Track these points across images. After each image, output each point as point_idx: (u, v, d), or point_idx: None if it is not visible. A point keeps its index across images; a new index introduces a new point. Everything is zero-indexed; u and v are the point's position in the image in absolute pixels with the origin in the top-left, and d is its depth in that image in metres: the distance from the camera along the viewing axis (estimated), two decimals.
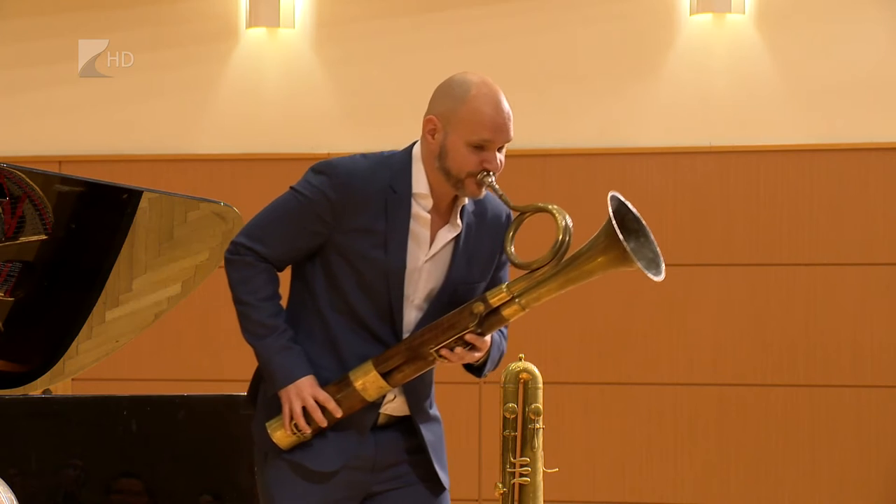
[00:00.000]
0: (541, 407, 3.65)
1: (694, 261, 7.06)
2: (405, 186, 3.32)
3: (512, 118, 3.33)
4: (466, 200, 3.38)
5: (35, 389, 4.48)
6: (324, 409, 3.28)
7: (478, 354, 3.33)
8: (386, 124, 7.00)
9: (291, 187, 3.36)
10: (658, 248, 3.33)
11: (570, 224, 3.32)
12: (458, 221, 3.37)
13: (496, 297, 3.31)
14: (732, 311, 7.03)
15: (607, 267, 3.32)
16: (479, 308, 3.29)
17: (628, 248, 3.24)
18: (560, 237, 3.31)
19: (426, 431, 3.43)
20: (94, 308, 4.49)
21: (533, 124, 7.03)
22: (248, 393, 3.46)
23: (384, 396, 3.34)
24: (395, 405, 3.38)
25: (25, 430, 4.15)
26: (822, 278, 6.99)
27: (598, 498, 7.04)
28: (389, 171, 3.34)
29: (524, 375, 3.71)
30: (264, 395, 3.38)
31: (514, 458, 3.65)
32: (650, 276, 3.28)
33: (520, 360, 3.72)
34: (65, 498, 4.13)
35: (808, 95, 7.06)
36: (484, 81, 3.32)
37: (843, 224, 6.99)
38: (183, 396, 4.29)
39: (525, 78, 7.15)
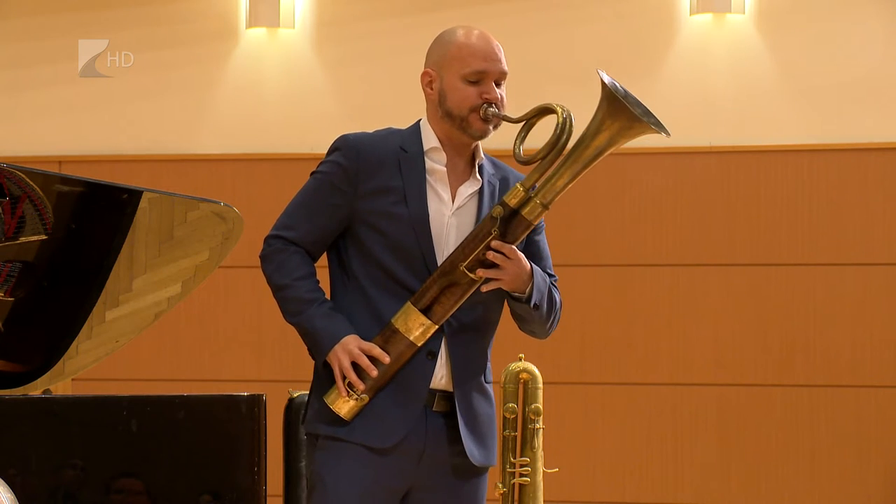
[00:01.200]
0: (541, 407, 3.65)
1: (694, 261, 7.06)
2: (416, 145, 3.36)
3: (502, 52, 3.37)
4: (483, 157, 3.40)
5: (35, 389, 4.48)
6: (373, 359, 3.26)
7: (510, 264, 3.26)
8: (386, 124, 6.97)
9: (311, 172, 3.40)
10: (651, 112, 3.29)
11: (572, 116, 3.31)
12: (479, 177, 3.37)
13: (513, 198, 3.28)
14: (732, 311, 7.03)
15: (616, 138, 3.29)
16: (499, 211, 3.26)
17: (635, 112, 3.20)
18: (559, 125, 3.31)
19: (476, 408, 3.37)
20: (94, 308, 4.49)
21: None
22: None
23: (434, 364, 3.31)
24: (445, 375, 3.34)
25: (25, 430, 4.15)
26: (822, 278, 6.99)
27: (598, 498, 7.04)
28: (400, 136, 3.39)
29: (524, 375, 3.71)
30: (317, 379, 3.36)
31: (514, 458, 3.65)
32: (661, 133, 3.25)
33: (520, 360, 3.72)
34: (65, 498, 4.13)
35: (807, 95, 7.06)
36: (468, 26, 3.42)
37: (843, 224, 6.99)
38: (183, 396, 4.29)
39: (524, 78, 7.15)
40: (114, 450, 4.19)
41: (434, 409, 3.34)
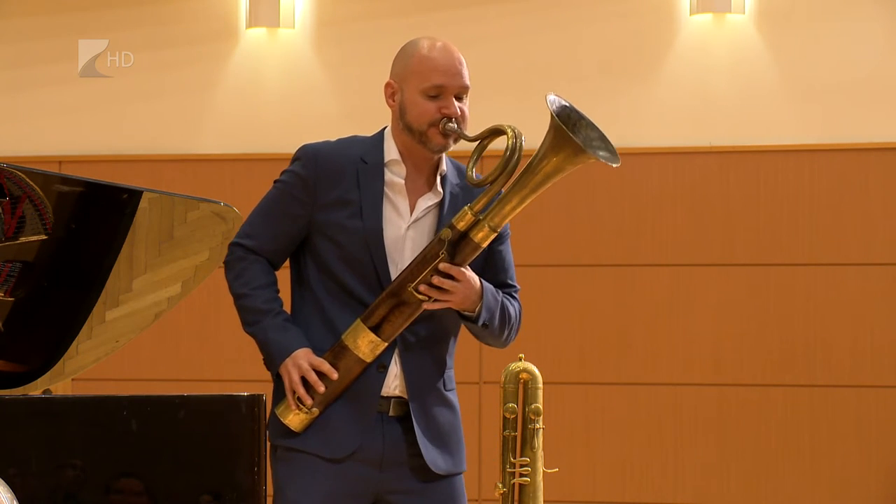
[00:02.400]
0: (541, 407, 3.65)
1: (694, 261, 7.06)
2: (377, 157, 3.37)
3: (465, 65, 3.35)
4: (447, 170, 3.39)
5: (35, 389, 4.48)
6: (321, 375, 3.28)
7: (458, 286, 3.27)
8: (385, 124, 6.99)
9: (273, 181, 3.42)
10: (608, 140, 3.29)
11: (522, 139, 3.28)
12: (439, 189, 3.37)
13: (462, 221, 3.28)
14: (732, 311, 7.03)
15: (563, 166, 3.28)
16: (447, 234, 3.27)
17: (579, 140, 3.20)
18: (509, 149, 3.27)
19: (435, 416, 3.38)
20: (94, 308, 4.49)
21: (533, 124, 7.02)
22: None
23: (385, 375, 3.32)
24: (399, 384, 3.35)
25: (25, 430, 4.15)
26: (822, 278, 6.99)
27: (598, 498, 7.04)
28: (361, 146, 3.40)
29: (524, 375, 3.71)
30: (274, 389, 3.39)
31: (514, 458, 3.65)
32: (608, 164, 3.25)
33: (520, 360, 3.72)
34: (65, 498, 4.13)
35: (807, 95, 7.06)
36: (433, 37, 3.38)
37: (843, 224, 6.99)
38: (183, 396, 4.28)
39: (525, 78, 7.15)
40: (114, 450, 4.19)
41: (390, 414, 3.34)
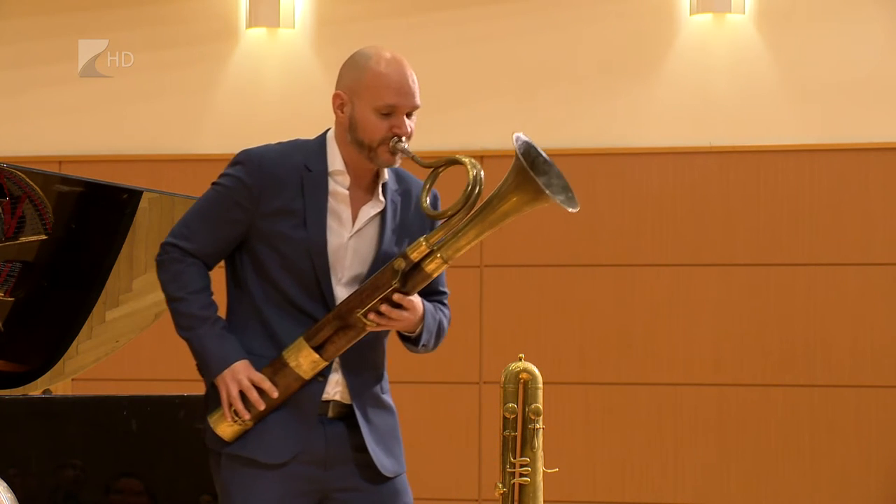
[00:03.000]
0: (541, 407, 3.65)
1: (694, 261, 7.06)
2: (320, 165, 3.34)
3: (417, 84, 3.34)
4: (387, 176, 3.39)
5: (35, 389, 4.48)
6: (261, 391, 3.28)
7: (406, 315, 3.29)
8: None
9: (212, 182, 3.39)
10: (569, 184, 3.28)
11: (482, 173, 3.27)
12: (381, 198, 3.37)
13: (416, 251, 3.28)
14: (732, 311, 7.03)
15: (522, 206, 3.27)
16: (400, 264, 3.27)
17: (542, 183, 3.20)
18: (470, 184, 3.26)
19: (375, 420, 3.39)
20: (94, 308, 4.49)
21: (533, 124, 7.02)
22: (200, 411, 3.45)
23: (325, 383, 3.33)
24: (340, 391, 3.36)
25: (25, 430, 4.15)
26: (822, 278, 6.99)
27: (598, 498, 7.04)
28: (304, 152, 3.36)
29: (524, 375, 3.71)
30: (208, 396, 3.38)
31: (514, 458, 3.65)
32: (567, 208, 3.25)
33: (520, 360, 3.72)
34: (65, 498, 4.13)
35: (808, 95, 7.06)
36: (387, 50, 3.35)
37: (843, 224, 6.99)
38: (183, 396, 4.29)
39: (525, 78, 7.15)
40: (114, 450, 4.19)
41: (329, 416, 3.35)
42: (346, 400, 3.36)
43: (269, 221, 3.31)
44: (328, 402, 3.35)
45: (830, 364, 6.97)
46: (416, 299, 3.31)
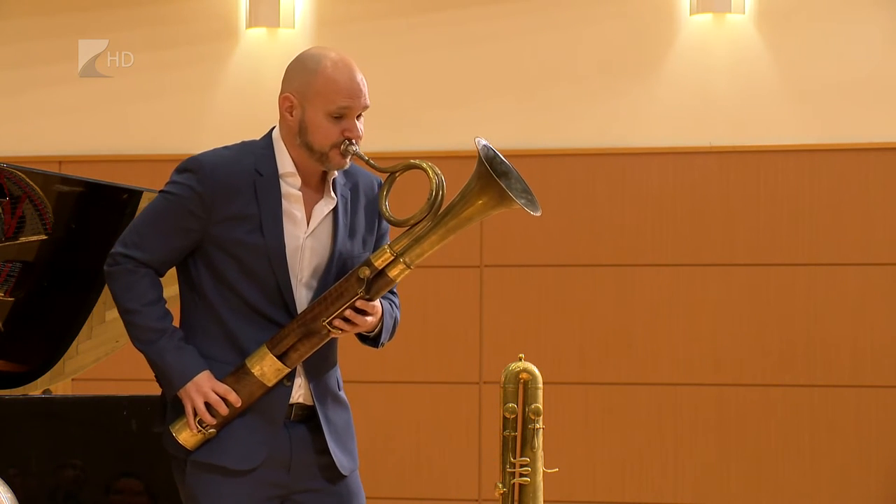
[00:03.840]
0: (541, 407, 3.65)
1: (694, 261, 7.06)
2: (270, 168, 3.34)
3: (366, 85, 3.35)
4: (336, 173, 3.39)
5: (35, 389, 4.48)
6: (226, 401, 3.28)
7: (370, 319, 3.32)
8: (385, 124, 7.00)
9: (160, 191, 3.37)
10: (529, 187, 3.30)
11: (443, 179, 3.29)
12: (333, 194, 3.38)
13: (380, 259, 3.30)
14: (732, 311, 7.03)
15: (485, 210, 3.28)
16: (366, 272, 3.28)
17: (505, 187, 3.21)
18: (433, 191, 3.28)
19: (334, 419, 3.40)
20: (94, 308, 4.49)
21: (533, 124, 7.03)
22: (156, 414, 3.45)
23: (291, 387, 3.33)
24: (303, 393, 3.36)
25: (25, 430, 4.15)
26: (822, 278, 6.99)
27: (598, 498, 7.04)
28: (253, 156, 3.36)
29: (524, 375, 3.71)
30: (170, 406, 3.37)
31: (514, 458, 3.65)
32: (529, 212, 3.26)
33: (520, 360, 3.72)
34: (65, 498, 4.13)
35: (808, 95, 7.06)
36: (335, 52, 3.37)
37: (843, 224, 6.99)
38: None
39: (525, 78, 7.15)
40: (114, 450, 4.19)
41: (292, 419, 3.36)
42: (309, 402, 3.37)
43: (223, 228, 3.30)
44: (292, 406, 3.36)
45: (830, 364, 6.97)
46: (377, 303, 3.34)
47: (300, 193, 3.35)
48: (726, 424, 7.00)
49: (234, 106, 7.33)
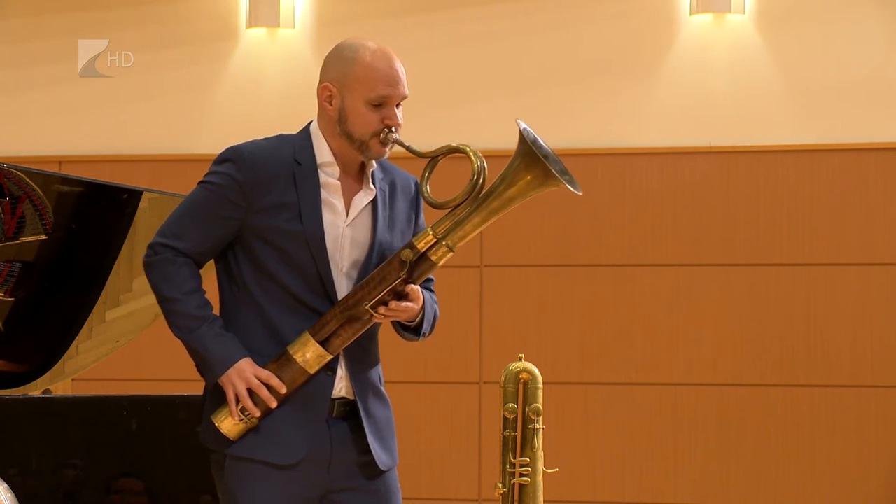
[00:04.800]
0: (541, 407, 3.65)
1: (694, 261, 7.06)
2: (309, 158, 3.34)
3: (405, 74, 3.36)
4: (374, 166, 3.40)
5: (35, 389, 4.48)
6: (268, 387, 3.27)
7: (412, 305, 3.30)
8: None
9: (199, 181, 3.37)
10: (567, 169, 3.30)
11: (485, 162, 3.29)
12: (371, 186, 3.38)
13: (422, 241, 3.29)
14: (732, 311, 7.03)
15: (527, 190, 3.29)
16: (408, 255, 3.27)
17: (551, 167, 3.21)
18: (475, 173, 3.28)
19: (375, 413, 3.39)
20: (94, 308, 4.49)
21: (533, 124, 7.01)
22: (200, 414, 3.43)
23: (333, 379, 3.32)
24: (345, 386, 3.35)
25: (25, 430, 4.15)
26: (822, 278, 6.99)
27: (598, 498, 7.04)
28: (291, 146, 3.36)
29: (524, 375, 3.71)
30: (210, 396, 3.36)
31: (514, 458, 3.65)
32: (572, 190, 3.26)
33: (520, 360, 3.72)
34: (65, 498, 4.13)
35: (808, 95, 7.06)
36: (373, 41, 3.38)
37: (843, 224, 6.99)
38: (183, 396, 4.29)
39: (525, 78, 7.15)
40: (114, 450, 4.19)
41: (335, 416, 3.35)
42: (350, 396, 3.35)
43: (263, 217, 3.30)
44: (333, 401, 3.34)
45: (830, 364, 6.98)
46: (418, 288, 3.32)
47: (339, 183, 3.35)
48: (726, 424, 7.00)
49: (234, 106, 7.33)
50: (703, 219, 7.07)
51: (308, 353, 3.27)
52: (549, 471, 3.65)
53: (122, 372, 6.86)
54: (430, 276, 3.46)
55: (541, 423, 3.64)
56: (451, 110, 7.13)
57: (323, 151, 3.36)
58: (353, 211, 3.36)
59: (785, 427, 6.98)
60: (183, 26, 7.39)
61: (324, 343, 3.27)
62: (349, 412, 3.36)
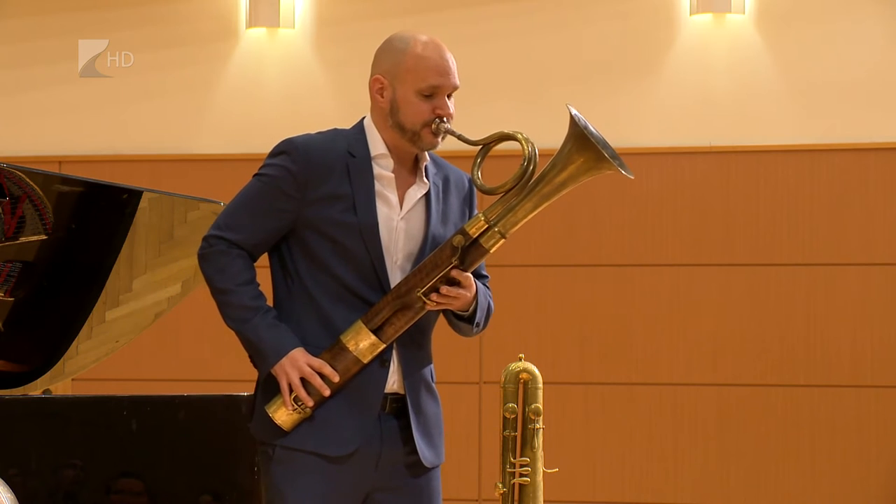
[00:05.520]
0: (541, 407, 3.65)
1: (694, 261, 7.06)
2: (363, 150, 3.35)
3: (456, 65, 3.35)
4: (427, 160, 3.40)
5: (35, 389, 4.48)
6: (322, 376, 3.27)
7: (464, 292, 3.30)
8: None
9: (255, 174, 3.39)
10: (617, 153, 3.31)
11: (536, 148, 3.31)
12: (425, 180, 3.39)
13: (474, 227, 3.30)
14: (732, 311, 7.03)
15: (579, 174, 3.32)
16: (459, 240, 3.28)
17: (603, 150, 3.22)
18: (526, 159, 3.29)
19: (424, 409, 3.40)
20: (94, 308, 4.49)
21: (533, 124, 7.02)
22: (248, 408, 3.43)
23: (387, 371, 3.32)
24: (397, 380, 3.35)
25: (25, 430, 4.15)
26: (822, 278, 6.99)
27: (598, 498, 7.04)
28: (345, 139, 3.38)
29: (524, 375, 3.71)
30: (261, 386, 3.35)
31: (514, 458, 3.65)
32: (624, 173, 3.27)
33: (520, 360, 3.72)
34: (65, 498, 4.13)
35: (808, 95, 7.06)
36: (424, 34, 3.37)
37: (843, 224, 6.99)
38: (183, 396, 4.29)
39: (525, 78, 7.15)
40: (114, 450, 4.19)
41: (387, 411, 3.34)
42: (402, 391, 3.36)
43: (317, 208, 3.30)
44: (386, 396, 3.34)
45: (830, 364, 6.98)
46: (470, 276, 3.32)
47: (393, 176, 3.36)
48: (726, 424, 7.00)
49: (234, 106, 7.33)
50: (703, 219, 7.07)
51: (361, 342, 3.27)
52: (549, 471, 3.65)
53: (122, 372, 6.86)
54: (485, 272, 3.48)
55: (541, 423, 3.64)
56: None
57: (376, 144, 3.37)
58: (407, 204, 3.36)
59: (785, 427, 6.98)
60: (183, 26, 7.39)
61: (377, 331, 3.27)
62: (400, 409, 3.36)
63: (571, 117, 3.28)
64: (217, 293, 3.34)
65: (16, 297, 4.35)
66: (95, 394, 4.37)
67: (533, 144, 3.31)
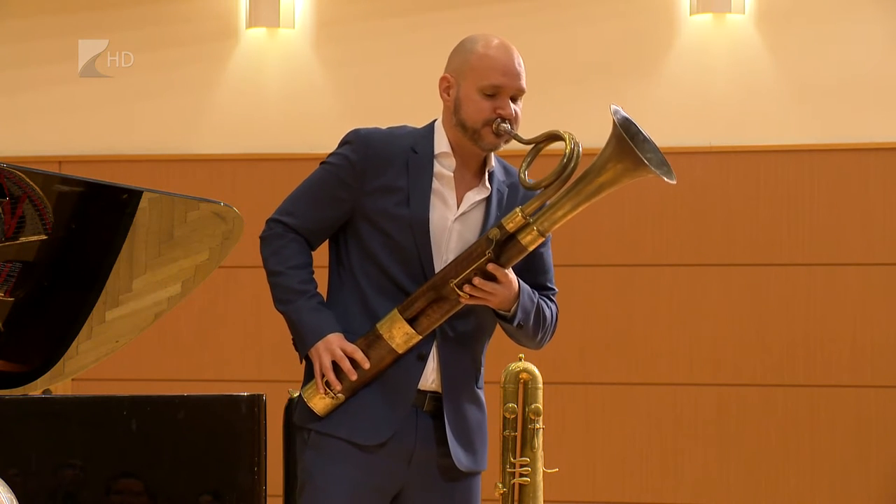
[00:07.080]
0: (541, 407, 3.65)
1: (694, 261, 7.06)
2: (427, 148, 3.36)
3: (523, 68, 3.39)
4: (494, 164, 3.40)
5: (35, 389, 4.48)
6: (354, 362, 3.28)
7: (499, 288, 3.28)
8: (386, 124, 6.99)
9: (321, 162, 3.42)
10: (665, 158, 3.31)
11: (580, 148, 3.32)
12: (488, 185, 3.37)
13: (511, 222, 3.29)
14: (732, 311, 7.03)
15: (620, 178, 3.32)
16: (495, 233, 3.27)
17: (641, 155, 3.22)
18: (566, 156, 3.31)
19: (465, 413, 3.42)
20: (94, 308, 4.49)
21: (533, 124, 7.01)
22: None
23: (423, 366, 3.32)
24: (435, 379, 3.36)
25: (25, 430, 4.15)
26: (822, 278, 6.99)
27: (598, 498, 7.04)
28: (412, 137, 3.40)
29: (524, 375, 3.71)
30: (306, 373, 3.38)
31: (514, 458, 3.65)
32: (665, 179, 3.27)
33: (520, 360, 3.72)
34: (65, 498, 4.13)
35: (808, 95, 7.06)
36: (495, 37, 3.41)
37: (843, 224, 6.99)
38: (183, 396, 4.28)
39: (525, 78, 7.14)
40: (114, 450, 4.19)
41: (424, 409, 3.34)
42: (440, 389, 3.38)
43: (372, 199, 3.32)
44: (424, 393, 3.35)
45: (830, 364, 6.97)
46: (510, 273, 3.30)
47: (452, 176, 3.36)
48: (726, 424, 7.00)
49: (234, 106, 7.33)
50: (703, 219, 7.06)
51: (395, 331, 3.28)
52: (549, 471, 3.65)
53: (122, 372, 6.86)
54: (551, 285, 3.44)
55: (541, 423, 3.64)
56: None
57: (441, 143, 3.38)
58: (465, 205, 3.37)
59: (785, 427, 6.98)
60: (183, 26, 7.39)
61: (412, 321, 3.28)
62: (438, 408, 3.37)
63: (614, 120, 3.28)
64: (269, 275, 3.38)
65: (16, 297, 4.35)
66: (95, 394, 4.37)
67: (577, 143, 3.30)
